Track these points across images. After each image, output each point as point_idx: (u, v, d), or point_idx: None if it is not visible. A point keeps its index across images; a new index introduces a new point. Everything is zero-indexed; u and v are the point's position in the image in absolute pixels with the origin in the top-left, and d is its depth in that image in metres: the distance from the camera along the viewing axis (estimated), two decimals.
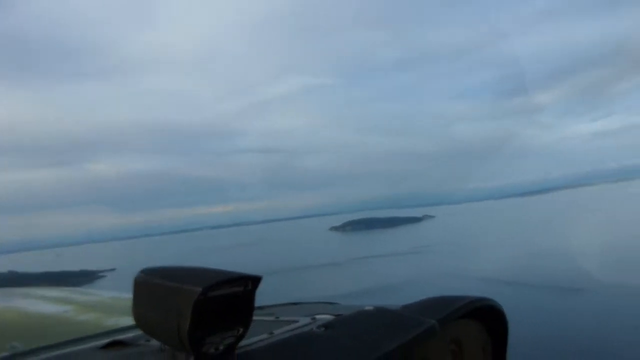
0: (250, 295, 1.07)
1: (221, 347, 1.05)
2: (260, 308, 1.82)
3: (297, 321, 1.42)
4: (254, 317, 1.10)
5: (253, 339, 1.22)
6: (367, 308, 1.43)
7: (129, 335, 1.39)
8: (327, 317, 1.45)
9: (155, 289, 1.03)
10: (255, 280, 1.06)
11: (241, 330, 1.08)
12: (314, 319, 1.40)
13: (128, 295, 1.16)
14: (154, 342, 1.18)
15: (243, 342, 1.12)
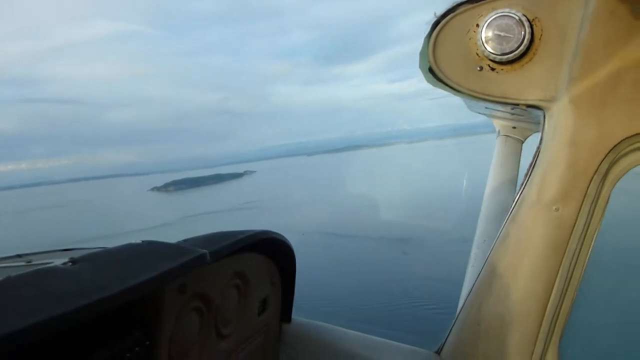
0: None
1: None
2: (19, 256, 1.68)
3: (51, 263, 1.27)
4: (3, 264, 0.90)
5: None
6: (132, 242, 1.31)
7: None
8: None
9: None
10: None
11: None
12: (71, 258, 1.22)
13: None
14: None
15: None
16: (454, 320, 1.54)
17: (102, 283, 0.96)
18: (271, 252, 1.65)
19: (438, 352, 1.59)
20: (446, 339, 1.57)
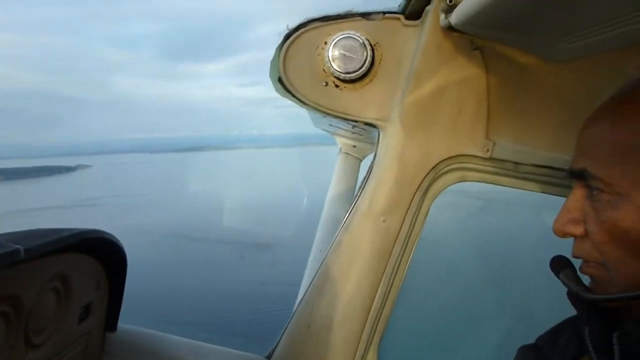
0: None
1: None
2: None
3: None
4: None
5: None
6: None
7: None
8: None
9: None
10: None
11: None
12: None
13: None
14: None
15: None
16: (286, 325, 1.59)
17: None
18: (100, 254, 1.51)
19: (269, 357, 1.62)
20: (277, 343, 1.61)
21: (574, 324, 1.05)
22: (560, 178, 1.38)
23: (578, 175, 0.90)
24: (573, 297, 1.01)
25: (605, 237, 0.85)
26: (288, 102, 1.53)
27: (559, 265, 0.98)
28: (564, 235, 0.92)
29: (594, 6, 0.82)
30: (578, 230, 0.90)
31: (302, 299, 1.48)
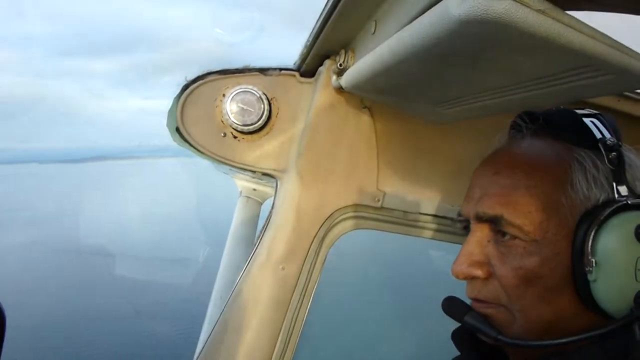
0: None
1: None
2: None
3: None
4: None
5: None
6: None
7: None
8: None
9: None
10: None
11: None
12: None
13: None
14: None
15: None
16: None
17: None
18: None
19: None
20: None
21: None
22: (443, 225, 1.50)
23: (490, 220, 0.90)
24: (459, 337, 1.06)
25: (519, 281, 0.86)
26: None
27: (461, 308, 0.96)
28: (466, 277, 0.93)
29: (454, 83, 0.92)
30: (482, 272, 0.90)
31: (201, 351, 1.46)
